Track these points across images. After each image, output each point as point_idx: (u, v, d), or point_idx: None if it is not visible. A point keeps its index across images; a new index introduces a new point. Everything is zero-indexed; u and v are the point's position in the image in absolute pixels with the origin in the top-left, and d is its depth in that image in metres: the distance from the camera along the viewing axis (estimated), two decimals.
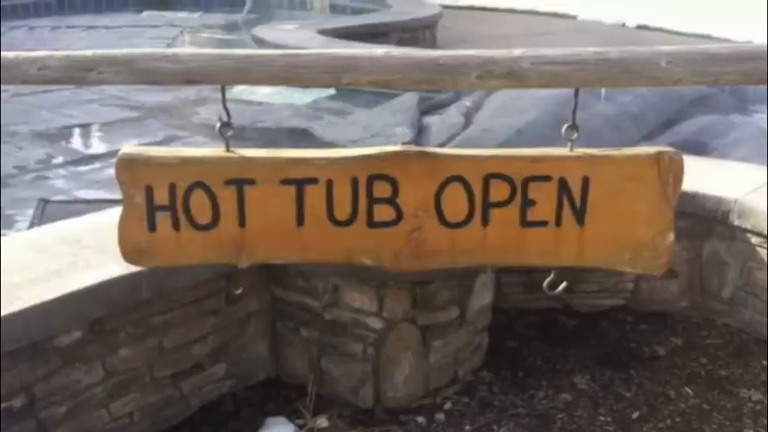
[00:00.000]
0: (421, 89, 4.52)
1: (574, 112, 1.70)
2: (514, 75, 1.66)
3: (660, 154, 1.67)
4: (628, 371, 2.66)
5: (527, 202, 1.66)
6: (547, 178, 1.66)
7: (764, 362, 2.75)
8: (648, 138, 4.96)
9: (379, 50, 1.68)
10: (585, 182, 1.66)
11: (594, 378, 2.62)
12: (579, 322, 2.93)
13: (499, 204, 1.66)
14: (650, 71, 1.64)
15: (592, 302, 2.99)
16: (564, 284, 1.74)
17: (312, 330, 2.45)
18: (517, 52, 1.65)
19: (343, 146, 3.76)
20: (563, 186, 1.66)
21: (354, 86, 1.78)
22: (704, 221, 2.98)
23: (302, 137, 4.38)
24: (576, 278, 2.83)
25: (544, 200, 1.66)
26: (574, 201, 1.67)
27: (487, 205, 1.66)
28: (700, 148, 4.63)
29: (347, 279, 2.34)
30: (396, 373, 2.41)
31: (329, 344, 2.44)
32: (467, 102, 5.03)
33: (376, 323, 2.35)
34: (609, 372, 2.65)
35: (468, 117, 4.88)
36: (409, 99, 4.94)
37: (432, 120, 4.84)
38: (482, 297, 2.56)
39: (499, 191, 1.66)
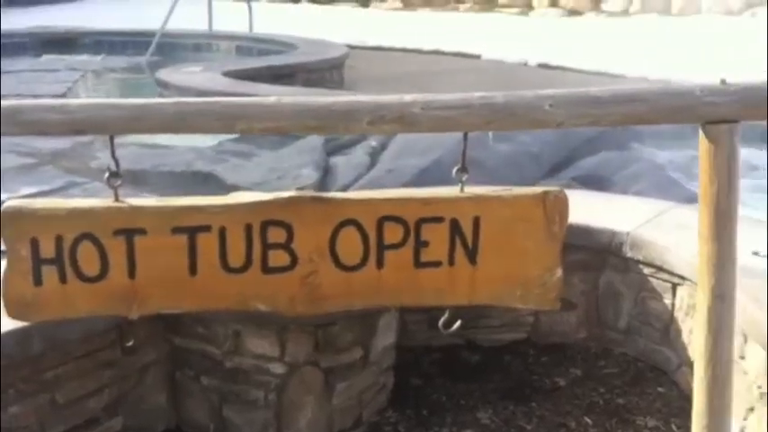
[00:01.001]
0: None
1: (463, 154, 1.75)
2: (405, 119, 1.70)
3: (546, 194, 1.73)
4: (529, 403, 2.71)
5: (420, 244, 1.69)
6: (439, 219, 1.70)
7: (660, 389, 2.85)
8: (550, 174, 5.11)
9: (271, 98, 1.69)
10: (476, 222, 1.71)
11: (497, 412, 2.66)
12: (482, 357, 2.98)
13: (393, 246, 1.69)
14: (534, 114, 1.71)
15: (494, 337, 3.04)
16: (458, 323, 1.78)
17: (213, 378, 2.41)
18: (408, 98, 1.70)
19: (248, 189, 3.75)
20: (455, 227, 1.70)
21: (247, 134, 1.79)
22: (599, 254, 3.09)
23: (206, 180, 4.34)
24: (478, 314, 2.89)
25: (437, 241, 1.70)
26: (466, 241, 1.71)
27: (382, 247, 1.69)
28: (600, 182, 4.80)
29: (248, 325, 2.32)
30: (299, 417, 2.40)
31: (231, 391, 2.41)
32: (373, 142, 5.09)
33: (278, 368, 2.33)
34: (511, 405, 2.70)
35: (374, 157, 4.93)
36: (315, 139, 4.96)
37: (338, 160, 4.87)
38: (386, 337, 2.57)
39: (393, 233, 1.68)
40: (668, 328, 2.91)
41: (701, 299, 1.78)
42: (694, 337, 1.82)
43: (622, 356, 3.04)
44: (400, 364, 2.72)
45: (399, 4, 12.81)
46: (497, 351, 3.02)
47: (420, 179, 4.46)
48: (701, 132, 1.72)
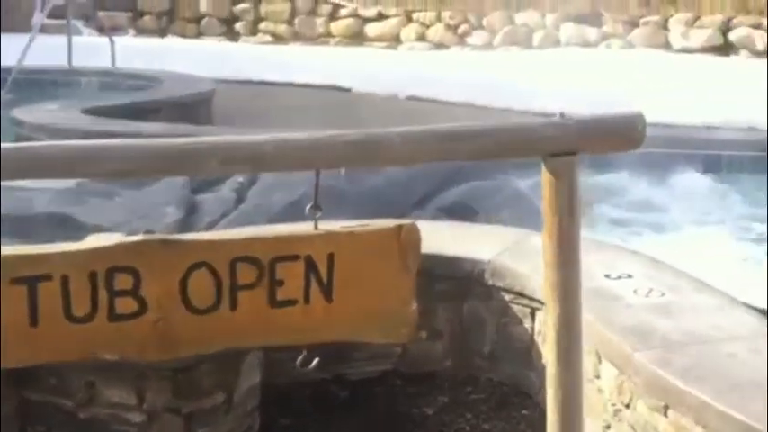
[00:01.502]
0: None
1: (315, 192, 1.76)
2: (257, 159, 1.70)
3: (399, 228, 1.77)
4: None
5: (275, 283, 1.69)
6: (293, 258, 1.70)
7: (524, 411, 2.94)
8: (419, 205, 5.22)
9: (117, 141, 1.65)
10: (331, 258, 1.72)
11: None
12: (351, 391, 2.98)
13: (247, 287, 1.67)
14: (386, 151, 1.74)
15: (363, 370, 3.05)
16: (316, 360, 1.78)
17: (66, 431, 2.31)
18: (261, 137, 1.69)
19: (110, 230, 3.63)
20: (309, 264, 1.71)
21: (92, 178, 1.73)
22: (463, 283, 3.16)
23: (63, 223, 4.18)
24: (345, 348, 2.90)
25: (292, 279, 1.70)
26: (321, 278, 1.72)
27: (235, 289, 1.67)
28: (466, 212, 4.94)
29: (103, 374, 2.23)
30: None
31: None
32: (240, 178, 5.05)
33: (136, 417, 2.26)
34: None
35: (242, 193, 4.89)
36: (180, 177, 4.87)
37: (204, 197, 4.80)
38: (250, 377, 2.54)
39: (246, 273, 1.67)
40: (530, 352, 3.01)
41: (549, 325, 1.85)
42: (546, 362, 1.88)
43: (488, 382, 3.12)
44: (268, 402, 2.69)
45: (269, 38, 12.81)
46: (366, 384, 3.03)
47: (289, 213, 4.46)
48: (542, 165, 1.80)
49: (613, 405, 2.54)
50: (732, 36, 10.94)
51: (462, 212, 4.86)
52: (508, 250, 3.21)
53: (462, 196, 5.26)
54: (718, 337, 2.49)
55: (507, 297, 3.06)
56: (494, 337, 3.12)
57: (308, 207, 1.74)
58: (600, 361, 2.61)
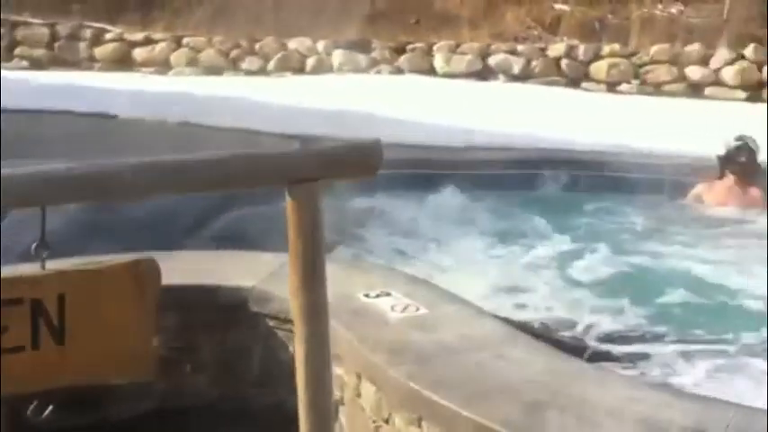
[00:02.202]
0: None
1: (42, 229, 1.67)
2: None
3: (136, 263, 1.71)
4: None
5: None
6: (18, 301, 1.59)
7: None
8: (188, 234, 5.09)
9: None
10: (61, 299, 1.63)
11: None
12: None
13: None
14: (118, 185, 1.68)
15: (124, 411, 2.92)
16: (50, 408, 1.67)
17: None
18: None
19: None
20: (37, 307, 1.61)
21: None
22: (227, 312, 3.13)
23: None
24: (100, 389, 2.75)
25: (18, 324, 1.59)
26: (51, 320, 1.62)
27: None
28: (237, 239, 4.88)
29: None
30: None
31: None
32: None
33: None
34: None
35: None
36: None
37: None
38: None
39: None
40: (295, 377, 3.02)
41: (298, 350, 1.87)
42: (298, 386, 1.90)
43: (258, 409, 3.09)
44: None
45: (25, 64, 12.02)
46: (129, 425, 2.90)
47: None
48: (286, 192, 1.83)
49: (374, 422, 2.61)
50: (491, 61, 11.73)
51: (234, 239, 4.80)
52: (273, 275, 3.21)
53: (234, 222, 5.21)
54: (467, 347, 2.64)
55: (272, 323, 3.06)
56: (260, 364, 3.10)
57: (33, 246, 1.64)
58: (360, 380, 2.68)
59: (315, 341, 1.88)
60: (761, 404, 2.52)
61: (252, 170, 1.85)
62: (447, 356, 2.57)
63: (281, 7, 12.14)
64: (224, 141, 7.20)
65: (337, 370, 2.79)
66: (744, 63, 11.03)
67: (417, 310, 2.91)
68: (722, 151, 5.87)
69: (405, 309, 2.91)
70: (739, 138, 5.92)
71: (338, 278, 3.10)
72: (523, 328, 3.03)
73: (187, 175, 1.77)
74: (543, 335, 3.20)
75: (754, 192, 5.79)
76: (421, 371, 2.45)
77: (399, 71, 11.67)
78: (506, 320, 3.00)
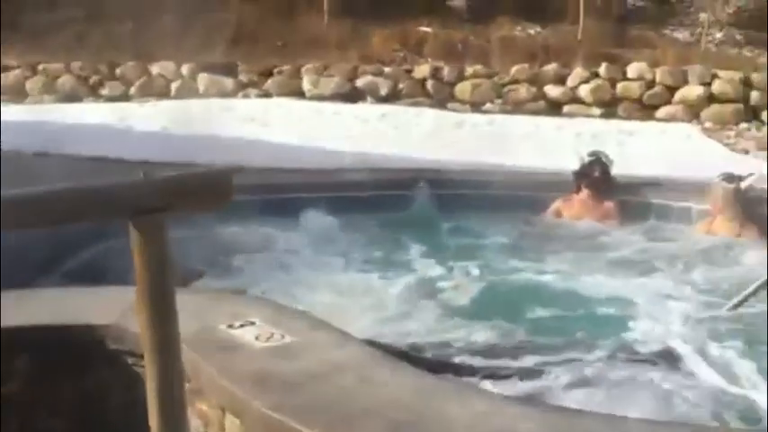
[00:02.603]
0: None
1: None
2: None
3: None
4: None
5: None
6: None
7: None
8: (42, 271, 4.84)
9: None
10: None
11: None
12: None
13: None
14: None
15: None
16: None
17: None
18: None
19: None
20: None
21: None
22: (85, 350, 2.99)
23: None
24: None
25: None
26: None
27: None
28: (96, 275, 4.68)
29: None
30: None
31: None
32: None
33: None
34: None
35: None
36: None
37: None
38: None
39: None
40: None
41: (150, 386, 1.80)
42: (151, 425, 1.82)
43: None
44: None
45: None
46: None
47: None
48: (131, 224, 1.76)
49: None
50: (359, 83, 11.85)
51: (92, 276, 4.61)
52: (132, 310, 3.09)
53: (93, 258, 5.00)
54: (331, 373, 2.62)
55: (131, 360, 2.94)
56: (120, 404, 2.97)
57: None
58: (224, 413, 2.61)
59: (166, 377, 1.82)
60: (621, 412, 2.63)
61: (93, 202, 1.78)
62: (312, 384, 2.54)
63: (142, 31, 11.84)
64: (82, 171, 6.92)
65: (201, 405, 2.72)
66: (598, 81, 11.60)
67: (282, 338, 2.87)
68: (577, 167, 6.14)
69: (269, 338, 2.86)
70: (592, 153, 6.21)
71: (202, 309, 3.04)
72: (389, 349, 3.04)
73: (26, 210, 1.68)
74: (409, 355, 3.23)
75: (608, 205, 6.08)
76: (285, 400, 2.41)
77: (267, 94, 11.61)
78: (372, 343, 3.00)
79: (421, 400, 2.43)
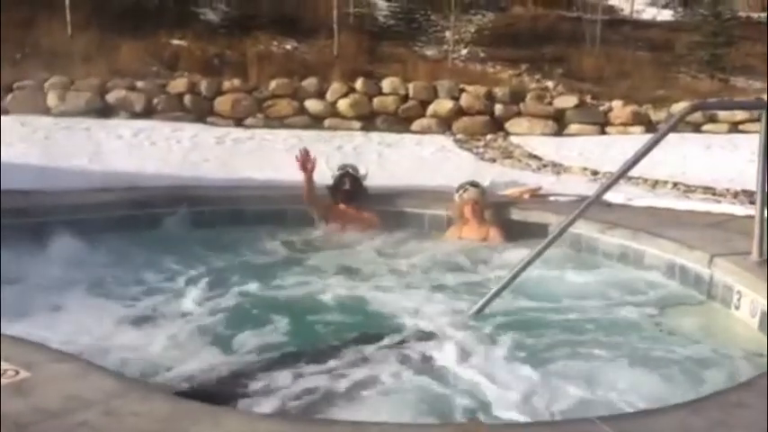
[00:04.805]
0: None
1: None
2: None
3: None
4: None
5: None
6: None
7: None
8: None
9: None
10: None
11: None
12: None
13: None
14: None
15: None
16: None
17: None
18: None
19: None
20: None
21: None
22: None
23: None
24: None
25: None
26: None
27: None
28: None
29: None
30: None
31: None
32: None
33: None
34: None
35: None
36: None
37: None
38: None
39: None
40: None
41: None
42: None
43: None
44: None
45: None
46: None
47: None
48: None
49: None
50: (110, 98, 11.29)
51: None
52: None
53: None
54: (72, 408, 2.42)
55: None
56: None
57: None
58: None
59: None
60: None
61: None
62: (48, 421, 2.32)
63: None
64: None
65: None
66: (356, 95, 11.93)
67: (17, 374, 2.62)
68: (330, 181, 6.25)
69: (2, 374, 2.60)
70: (342, 167, 6.36)
71: None
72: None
73: None
74: (165, 383, 3.06)
75: (368, 214, 6.23)
76: None
77: (5, 112, 10.71)
78: (119, 374, 2.81)
79: (173, 426, 2.30)
